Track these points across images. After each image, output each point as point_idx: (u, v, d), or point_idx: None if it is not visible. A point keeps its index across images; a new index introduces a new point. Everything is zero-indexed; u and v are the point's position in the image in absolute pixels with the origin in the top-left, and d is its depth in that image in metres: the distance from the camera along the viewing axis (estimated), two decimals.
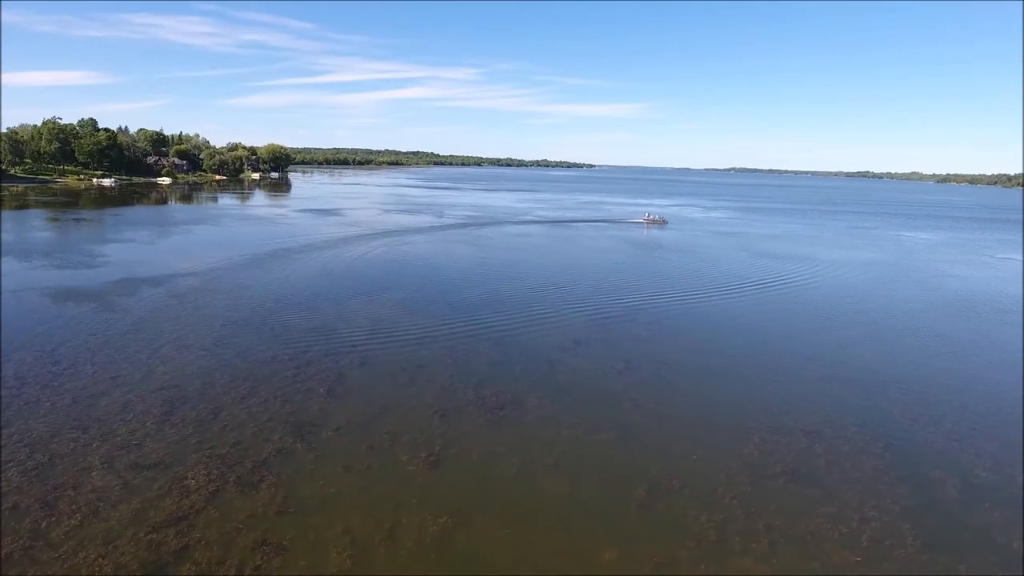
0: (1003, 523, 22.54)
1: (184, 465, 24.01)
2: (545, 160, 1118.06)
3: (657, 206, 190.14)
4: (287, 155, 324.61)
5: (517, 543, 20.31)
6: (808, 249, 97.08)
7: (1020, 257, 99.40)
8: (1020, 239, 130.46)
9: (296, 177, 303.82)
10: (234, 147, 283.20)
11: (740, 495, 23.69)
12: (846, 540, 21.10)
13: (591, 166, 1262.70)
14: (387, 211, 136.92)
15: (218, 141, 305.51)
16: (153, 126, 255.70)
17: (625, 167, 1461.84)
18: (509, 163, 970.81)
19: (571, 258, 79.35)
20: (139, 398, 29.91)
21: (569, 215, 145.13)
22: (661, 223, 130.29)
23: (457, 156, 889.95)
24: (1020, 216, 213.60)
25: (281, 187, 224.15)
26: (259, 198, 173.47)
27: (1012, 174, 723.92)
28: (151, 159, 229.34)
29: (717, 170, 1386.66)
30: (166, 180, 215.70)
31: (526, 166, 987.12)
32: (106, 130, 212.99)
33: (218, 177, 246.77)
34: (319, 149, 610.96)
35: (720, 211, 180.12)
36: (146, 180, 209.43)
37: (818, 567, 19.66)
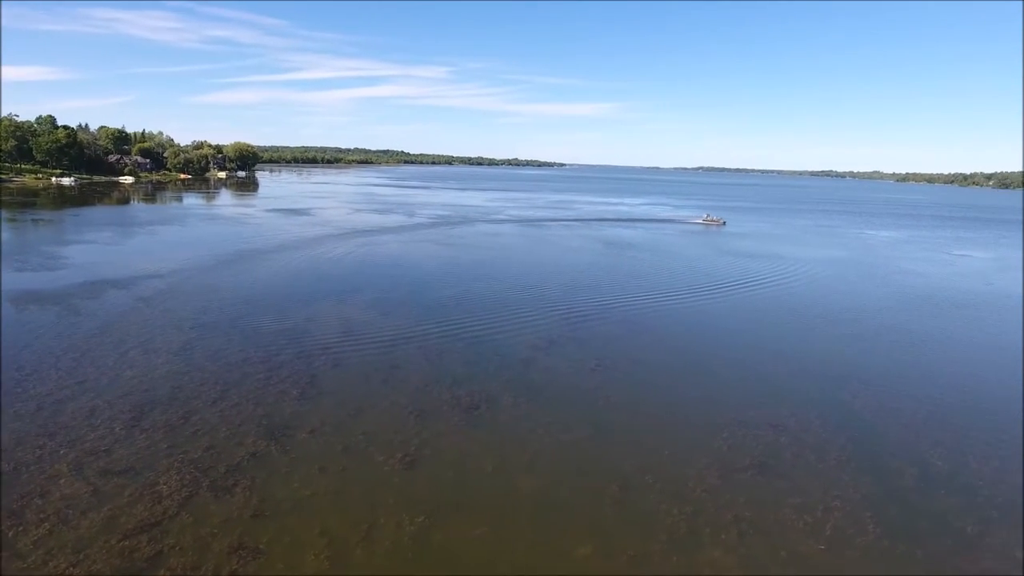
0: (958, 509, 23.54)
1: (155, 470, 23.72)
2: (516, 159, 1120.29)
3: (628, 205, 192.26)
4: (254, 153, 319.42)
5: (493, 541, 20.58)
6: (775, 247, 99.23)
7: (977, 254, 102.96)
8: (976, 236, 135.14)
9: (264, 176, 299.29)
10: (199, 145, 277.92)
11: (710, 488, 24.31)
12: (811, 529, 21.84)
13: (562, 165, 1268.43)
14: (357, 211, 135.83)
15: (183, 139, 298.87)
16: (115, 124, 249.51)
17: (595, 166, 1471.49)
18: (480, 162, 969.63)
19: (543, 257, 79.85)
20: (107, 403, 29.39)
21: (546, 214, 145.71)
22: (719, 223, 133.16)
23: (428, 155, 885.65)
24: (975, 214, 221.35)
25: (248, 186, 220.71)
26: (226, 197, 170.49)
27: (968, 173, 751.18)
28: (113, 158, 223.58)
29: (686, 169, 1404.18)
30: (128, 179, 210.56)
31: (497, 165, 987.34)
32: (65, 128, 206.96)
33: (183, 176, 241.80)
34: (287, 147, 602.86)
35: (688, 210, 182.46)
36: (107, 179, 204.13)
37: (784, 556, 20.33)
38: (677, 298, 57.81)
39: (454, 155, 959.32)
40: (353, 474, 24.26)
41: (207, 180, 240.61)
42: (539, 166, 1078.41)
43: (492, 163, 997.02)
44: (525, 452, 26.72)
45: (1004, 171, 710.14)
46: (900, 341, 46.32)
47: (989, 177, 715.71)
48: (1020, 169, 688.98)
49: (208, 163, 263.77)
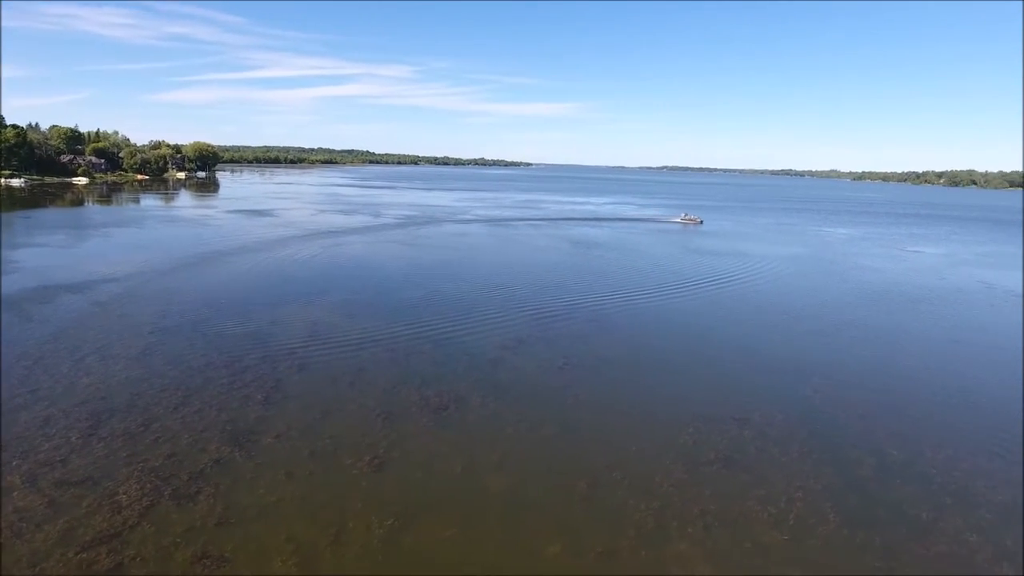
0: (913, 497, 24.36)
1: (114, 480, 23.08)
2: (482, 159, 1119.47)
3: (593, 204, 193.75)
4: (214, 153, 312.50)
5: (463, 541, 20.56)
6: (737, 245, 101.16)
7: (929, 250, 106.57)
8: (928, 233, 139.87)
9: (224, 176, 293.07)
10: (157, 145, 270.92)
11: (677, 483, 24.69)
12: (774, 520, 22.36)
13: (528, 165, 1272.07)
14: (322, 211, 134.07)
15: (139, 139, 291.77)
16: (67, 122, 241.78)
17: (562, 165, 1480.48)
18: (446, 162, 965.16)
19: (511, 257, 79.96)
20: (62, 412, 28.47)
21: (513, 214, 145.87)
22: (697, 222, 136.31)
23: (393, 155, 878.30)
24: (928, 211, 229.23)
25: (209, 187, 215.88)
26: (185, 198, 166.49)
27: (920, 172, 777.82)
28: (65, 158, 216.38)
29: (651, 168, 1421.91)
30: (82, 180, 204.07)
31: (464, 165, 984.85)
32: (14, 126, 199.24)
33: (140, 177, 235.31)
34: (249, 147, 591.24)
35: (653, 208, 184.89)
36: (60, 180, 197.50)
37: (749, 547, 20.76)
38: (644, 296, 58.51)
39: (420, 155, 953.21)
40: (320, 478, 23.96)
41: (165, 181, 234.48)
42: (506, 166, 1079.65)
43: (459, 163, 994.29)
44: (494, 452, 26.75)
45: (954, 169, 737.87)
46: (858, 335, 47.67)
47: (940, 175, 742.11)
48: (968, 168, 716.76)
49: (166, 163, 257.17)
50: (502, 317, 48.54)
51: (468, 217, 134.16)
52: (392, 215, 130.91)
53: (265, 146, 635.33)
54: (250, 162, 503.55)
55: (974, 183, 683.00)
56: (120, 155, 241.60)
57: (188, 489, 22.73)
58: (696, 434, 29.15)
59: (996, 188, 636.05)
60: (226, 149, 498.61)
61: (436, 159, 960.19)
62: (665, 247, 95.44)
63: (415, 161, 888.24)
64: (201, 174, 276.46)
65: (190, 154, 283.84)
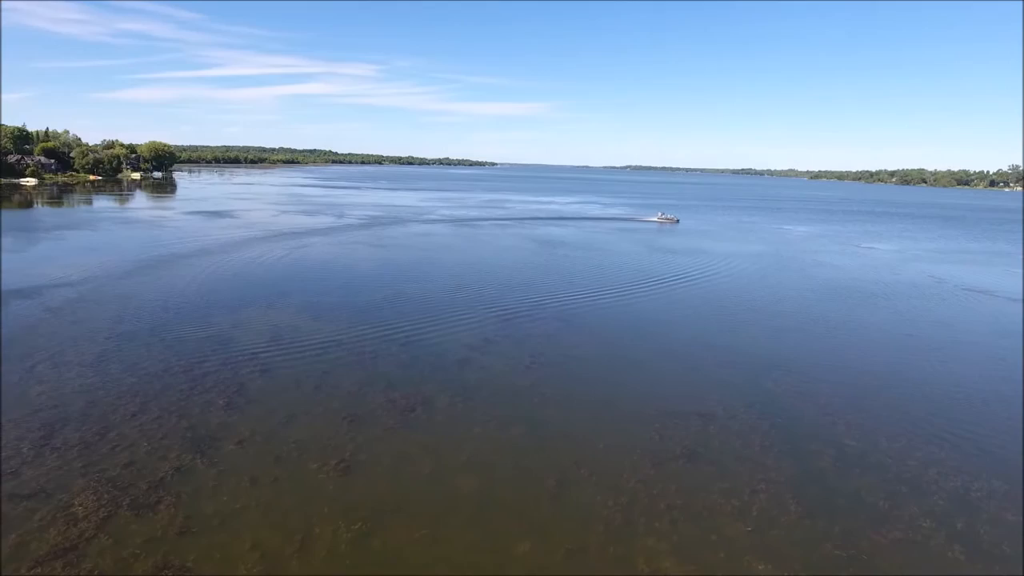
0: (871, 486, 25.12)
1: (69, 492, 22.32)
2: (447, 158, 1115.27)
3: (559, 203, 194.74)
4: (171, 153, 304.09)
5: (433, 543, 20.46)
6: (699, 243, 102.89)
7: (883, 246, 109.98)
8: (882, 230, 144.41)
9: (182, 177, 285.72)
10: (110, 145, 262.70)
11: (643, 478, 25.01)
12: (738, 512, 22.82)
13: (494, 164, 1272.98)
14: (284, 212, 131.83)
15: (92, 138, 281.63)
16: (14, 121, 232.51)
17: (527, 165, 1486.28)
18: (411, 161, 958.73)
19: (477, 257, 79.85)
20: (12, 423, 27.42)
21: (479, 213, 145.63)
22: (673, 221, 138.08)
23: (357, 155, 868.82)
24: (882, 208, 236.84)
25: (165, 188, 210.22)
26: (141, 200, 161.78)
27: (873, 170, 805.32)
28: (13, 158, 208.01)
29: (615, 168, 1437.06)
30: (31, 181, 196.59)
31: (429, 164, 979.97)
32: None
33: (93, 177, 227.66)
34: (208, 147, 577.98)
35: (618, 207, 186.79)
36: (7, 181, 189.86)
37: (714, 539, 21.15)
38: (609, 294, 59.04)
39: (384, 155, 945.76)
40: (285, 484, 23.58)
41: (120, 182, 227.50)
42: (471, 165, 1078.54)
43: (423, 162, 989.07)
44: (462, 452, 26.70)
45: (905, 169, 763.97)
46: (817, 330, 48.95)
47: (892, 174, 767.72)
48: (918, 167, 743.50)
49: (120, 163, 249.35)
50: (469, 317, 48.44)
51: (433, 217, 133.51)
52: (356, 216, 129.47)
53: (225, 146, 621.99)
54: (209, 162, 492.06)
55: (924, 181, 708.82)
56: (71, 155, 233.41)
57: (148, 499, 22.12)
58: (662, 429, 29.55)
59: (944, 186, 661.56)
60: (183, 149, 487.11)
61: (401, 159, 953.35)
62: (631, 245, 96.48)
63: (379, 161, 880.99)
64: (157, 174, 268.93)
65: (146, 154, 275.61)
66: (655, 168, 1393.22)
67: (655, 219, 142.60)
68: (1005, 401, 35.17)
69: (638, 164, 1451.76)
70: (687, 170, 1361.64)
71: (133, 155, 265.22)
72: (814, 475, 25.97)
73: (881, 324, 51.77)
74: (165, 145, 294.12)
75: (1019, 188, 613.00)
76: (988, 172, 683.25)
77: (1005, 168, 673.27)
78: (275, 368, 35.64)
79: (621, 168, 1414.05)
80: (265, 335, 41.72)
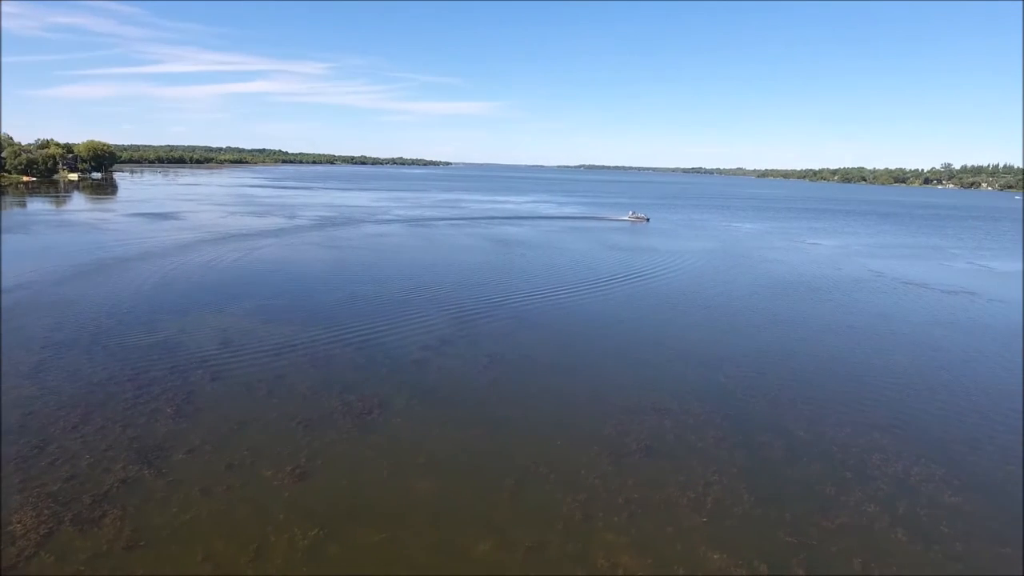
0: (819, 473, 26.03)
1: (6, 509, 21.24)
2: (400, 158, 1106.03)
3: (513, 203, 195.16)
4: (111, 153, 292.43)
5: (391, 546, 20.26)
6: (652, 241, 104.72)
7: (826, 242, 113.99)
8: (825, 226, 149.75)
9: (123, 178, 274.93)
10: (45, 144, 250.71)
11: (601, 474, 25.30)
12: (694, 504, 23.33)
13: (447, 164, 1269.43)
14: (232, 214, 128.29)
15: (25, 137, 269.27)
16: None
17: (481, 164, 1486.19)
18: (364, 161, 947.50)
19: (433, 257, 79.36)
20: None
21: (434, 213, 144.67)
22: (644, 220, 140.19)
23: (308, 154, 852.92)
24: (824, 206, 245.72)
25: (105, 189, 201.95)
26: (79, 201, 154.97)
27: (816, 169, 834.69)
28: None
29: (568, 167, 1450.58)
30: None
31: (382, 164, 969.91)
32: None
33: (26, 179, 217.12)
34: (150, 146, 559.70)
35: (572, 206, 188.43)
36: None
37: (671, 531, 21.57)
38: (564, 293, 59.50)
39: (336, 154, 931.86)
40: (239, 492, 22.97)
41: (56, 183, 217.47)
42: (425, 165, 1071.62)
43: (376, 162, 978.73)
44: (420, 453, 26.51)
45: (846, 167, 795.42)
46: (766, 324, 50.40)
47: (834, 172, 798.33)
48: (858, 166, 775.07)
49: (56, 164, 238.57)
50: (426, 318, 48.11)
51: (388, 217, 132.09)
52: (308, 216, 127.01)
53: (169, 145, 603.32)
54: (152, 162, 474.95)
55: (864, 179, 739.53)
56: (2, 155, 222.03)
57: (92, 513, 21.24)
58: (619, 425, 29.95)
59: (883, 184, 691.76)
60: (124, 148, 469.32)
61: (353, 159, 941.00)
62: (585, 244, 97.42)
63: (331, 161, 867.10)
64: (96, 175, 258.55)
65: (83, 154, 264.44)
66: (608, 167, 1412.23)
67: (627, 218, 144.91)
68: (941, 388, 36.91)
69: (591, 163, 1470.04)
70: (639, 169, 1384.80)
71: (70, 155, 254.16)
72: (765, 465, 26.75)
73: (825, 317, 53.65)
74: (104, 144, 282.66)
75: (951, 186, 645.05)
76: (922, 171, 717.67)
77: (938, 167, 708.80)
78: (226, 374, 34.67)
79: (575, 167, 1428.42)
80: (215, 340, 40.55)
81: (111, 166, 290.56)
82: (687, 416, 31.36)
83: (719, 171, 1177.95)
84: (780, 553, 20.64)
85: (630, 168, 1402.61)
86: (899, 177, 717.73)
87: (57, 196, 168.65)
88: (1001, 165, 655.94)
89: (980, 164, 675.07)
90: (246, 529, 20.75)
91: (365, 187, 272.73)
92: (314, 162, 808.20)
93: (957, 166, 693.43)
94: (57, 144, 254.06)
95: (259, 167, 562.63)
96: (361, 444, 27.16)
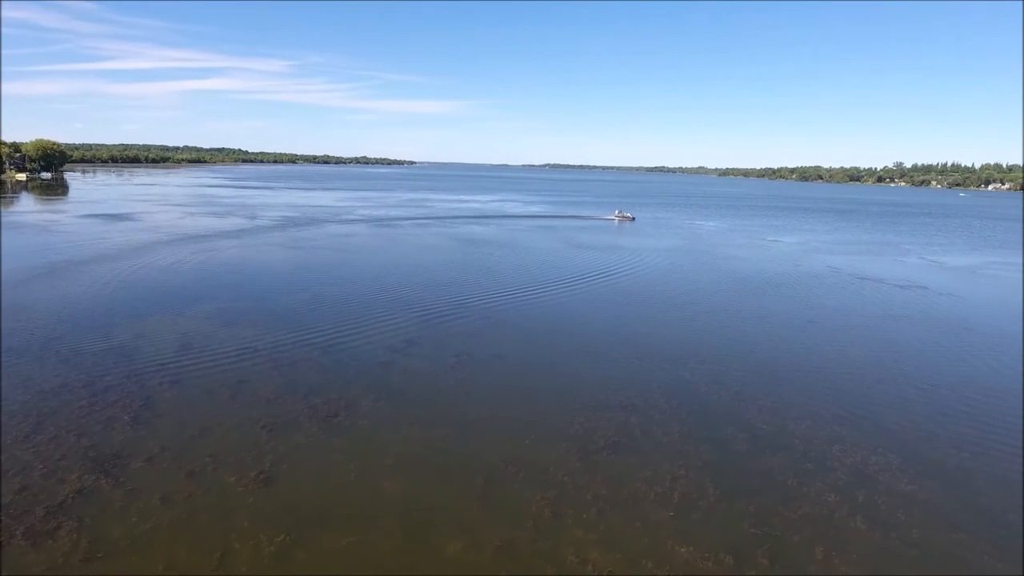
0: (781, 465, 26.62)
1: None
2: (365, 157, 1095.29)
3: (480, 202, 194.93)
4: (62, 152, 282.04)
5: (360, 549, 20.03)
6: (617, 239, 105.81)
7: (786, 239, 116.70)
8: (784, 224, 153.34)
9: (75, 178, 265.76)
10: None
11: (570, 471, 25.44)
12: (660, 499, 23.63)
13: (412, 163, 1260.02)
14: (191, 214, 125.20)
15: None
16: None
17: (446, 164, 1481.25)
18: (327, 160, 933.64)
19: (398, 257, 78.76)
20: None
21: (399, 213, 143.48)
22: (630, 219, 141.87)
23: (269, 153, 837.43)
24: (784, 204, 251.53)
25: (56, 189, 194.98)
26: (28, 203, 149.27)
27: (775, 168, 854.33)
28: None
29: (533, 166, 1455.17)
30: None
31: (345, 163, 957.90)
32: None
33: None
34: (103, 145, 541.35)
35: (538, 205, 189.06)
36: None
37: (639, 526, 21.81)
38: (531, 292, 59.65)
39: (298, 153, 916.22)
40: (201, 500, 22.42)
41: (2, 183, 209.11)
42: (389, 164, 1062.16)
43: (340, 161, 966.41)
44: (388, 455, 26.27)
45: (804, 166, 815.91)
46: (728, 319, 51.34)
47: (792, 171, 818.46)
48: (815, 164, 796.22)
49: (2, 164, 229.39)
50: (391, 319, 47.69)
51: (352, 217, 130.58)
52: (270, 217, 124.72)
53: (123, 144, 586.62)
54: (105, 162, 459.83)
55: (820, 178, 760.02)
56: None
57: (45, 525, 20.48)
58: (586, 423, 30.15)
59: (839, 182, 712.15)
60: (76, 147, 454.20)
61: (316, 158, 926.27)
62: (551, 242, 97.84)
63: (293, 160, 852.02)
64: (46, 175, 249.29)
65: (32, 153, 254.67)
66: (573, 166, 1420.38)
67: (613, 217, 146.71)
68: (895, 379, 38.10)
69: (556, 163, 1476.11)
70: (603, 168, 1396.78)
71: (17, 154, 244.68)
72: (730, 458, 27.24)
73: (786, 312, 54.91)
74: (54, 143, 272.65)
75: (903, 184, 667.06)
76: (876, 169, 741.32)
77: (891, 165, 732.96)
78: (186, 379, 33.81)
79: (540, 166, 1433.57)
80: (174, 344, 39.52)
81: (62, 165, 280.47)
82: (653, 412, 31.74)
83: (681, 170, 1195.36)
84: (745, 544, 21.05)
85: (595, 167, 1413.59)
86: (854, 175, 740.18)
87: (4, 197, 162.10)
88: (949, 164, 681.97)
89: (930, 163, 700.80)
90: (209, 537, 20.26)
91: (328, 187, 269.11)
92: (275, 161, 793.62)
93: (908, 165, 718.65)
94: (4, 143, 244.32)
95: (218, 166, 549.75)
96: (327, 447, 26.79)
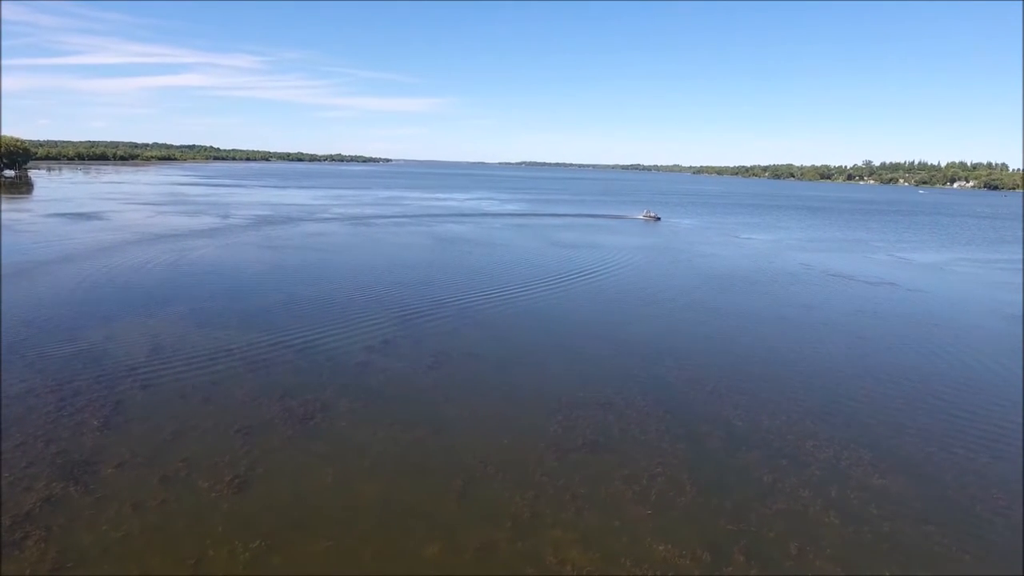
0: (756, 462, 26.98)
1: None
2: (339, 155, 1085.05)
3: (456, 200, 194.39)
4: (26, 149, 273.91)
5: (338, 553, 19.83)
6: (593, 237, 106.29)
7: (760, 236, 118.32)
8: (758, 221, 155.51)
9: (40, 176, 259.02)
10: None
11: (548, 471, 25.49)
12: (638, 497, 23.79)
13: (388, 161, 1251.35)
14: (161, 213, 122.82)
15: None
16: None
17: (422, 162, 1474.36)
18: (300, 158, 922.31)
19: (374, 256, 78.18)
20: None
21: (375, 211, 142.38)
22: (656, 219, 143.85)
23: (241, 151, 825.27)
24: (758, 201, 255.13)
25: (20, 187, 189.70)
26: None
27: (748, 165, 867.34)
28: None
29: (510, 164, 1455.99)
30: None
31: (320, 161, 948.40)
32: None
33: None
34: (69, 142, 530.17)
35: (515, 203, 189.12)
36: None
37: (617, 525, 21.93)
38: (508, 291, 59.64)
39: (272, 151, 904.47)
40: (174, 506, 22.00)
41: None
42: (365, 162, 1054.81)
43: (314, 159, 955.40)
44: (366, 457, 26.06)
45: (776, 164, 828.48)
46: (704, 317, 51.89)
47: (765, 169, 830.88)
48: (787, 163, 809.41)
49: None
50: (368, 319, 47.31)
51: (327, 216, 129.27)
52: (243, 215, 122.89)
53: (90, 141, 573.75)
54: (72, 159, 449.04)
55: (792, 176, 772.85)
56: None
57: (11, 536, 19.92)
58: (564, 421, 30.24)
59: (810, 180, 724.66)
60: (41, 144, 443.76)
61: (290, 155, 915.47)
62: (528, 240, 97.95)
63: (266, 157, 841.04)
64: (9, 173, 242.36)
65: None
66: (549, 164, 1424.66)
67: (640, 216, 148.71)
68: (866, 375, 38.84)
69: (532, 160, 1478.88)
70: (580, 166, 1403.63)
71: None
72: (707, 455, 27.53)
73: (760, 309, 55.68)
74: (17, 140, 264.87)
75: (871, 181, 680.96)
76: (846, 167, 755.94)
77: (860, 163, 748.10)
78: (157, 382, 33.16)
79: (516, 164, 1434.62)
80: (144, 347, 38.73)
81: (25, 163, 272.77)
82: (631, 410, 31.94)
83: (657, 167, 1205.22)
84: (722, 541, 21.28)
85: (571, 165, 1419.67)
86: (824, 173, 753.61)
87: None
88: (917, 162, 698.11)
89: (898, 161, 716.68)
90: (183, 544, 19.90)
91: (303, 184, 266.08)
92: (248, 159, 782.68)
93: (877, 163, 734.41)
94: None
95: (189, 164, 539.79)
96: (304, 450, 26.48)
